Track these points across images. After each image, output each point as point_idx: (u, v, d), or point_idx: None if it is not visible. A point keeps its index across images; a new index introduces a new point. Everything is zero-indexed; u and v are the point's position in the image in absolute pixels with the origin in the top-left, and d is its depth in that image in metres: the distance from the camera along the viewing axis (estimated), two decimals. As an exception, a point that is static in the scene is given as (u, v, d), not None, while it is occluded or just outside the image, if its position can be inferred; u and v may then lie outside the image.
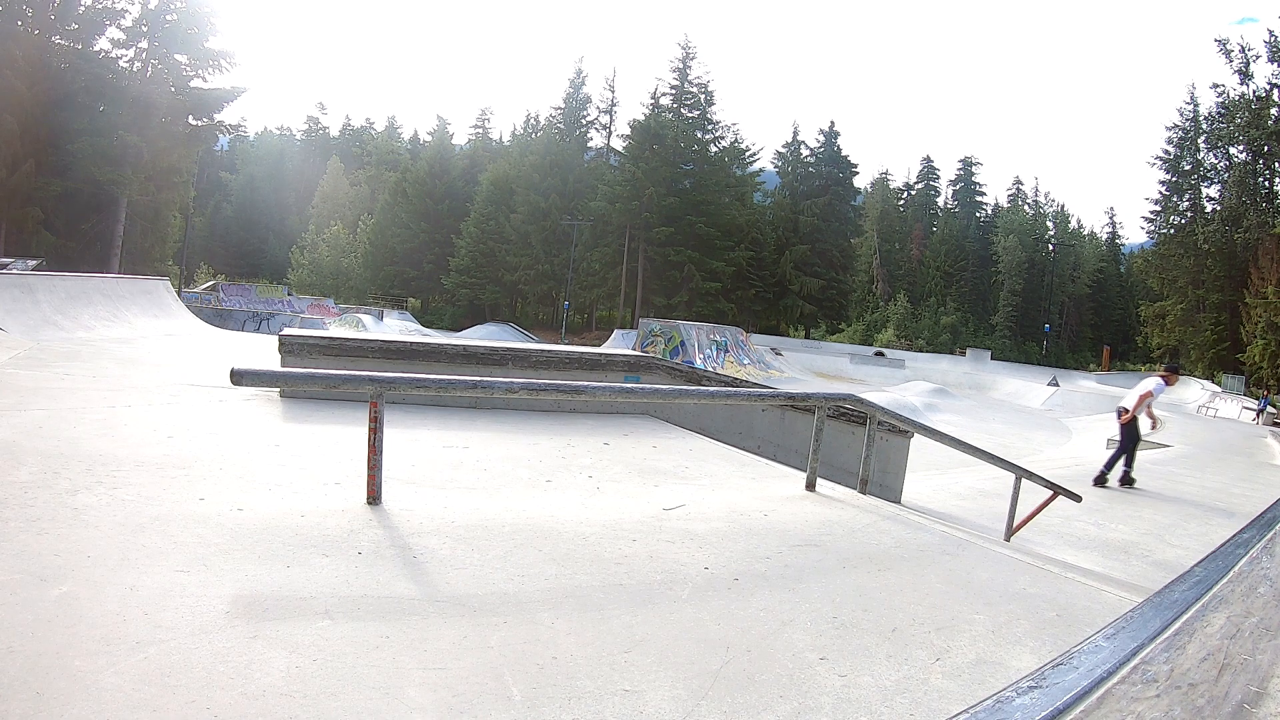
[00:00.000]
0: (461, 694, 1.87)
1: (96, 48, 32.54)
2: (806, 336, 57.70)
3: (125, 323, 11.71)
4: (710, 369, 27.66)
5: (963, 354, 47.48)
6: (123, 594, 2.20)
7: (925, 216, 67.68)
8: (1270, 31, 38.73)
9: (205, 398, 5.82)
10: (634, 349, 26.94)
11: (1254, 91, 39.92)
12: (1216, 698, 0.93)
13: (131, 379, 6.48)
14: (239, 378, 3.05)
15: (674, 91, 55.84)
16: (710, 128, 56.54)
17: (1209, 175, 44.85)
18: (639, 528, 3.42)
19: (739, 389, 7.08)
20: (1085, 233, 67.75)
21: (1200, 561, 1.46)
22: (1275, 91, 39.07)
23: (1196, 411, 26.46)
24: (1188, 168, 45.40)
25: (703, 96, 56.10)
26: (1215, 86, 41.67)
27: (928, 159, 74.93)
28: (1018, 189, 67.00)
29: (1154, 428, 6.88)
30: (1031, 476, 5.66)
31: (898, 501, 5.82)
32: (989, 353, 47.02)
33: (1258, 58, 39.38)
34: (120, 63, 33.17)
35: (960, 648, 2.44)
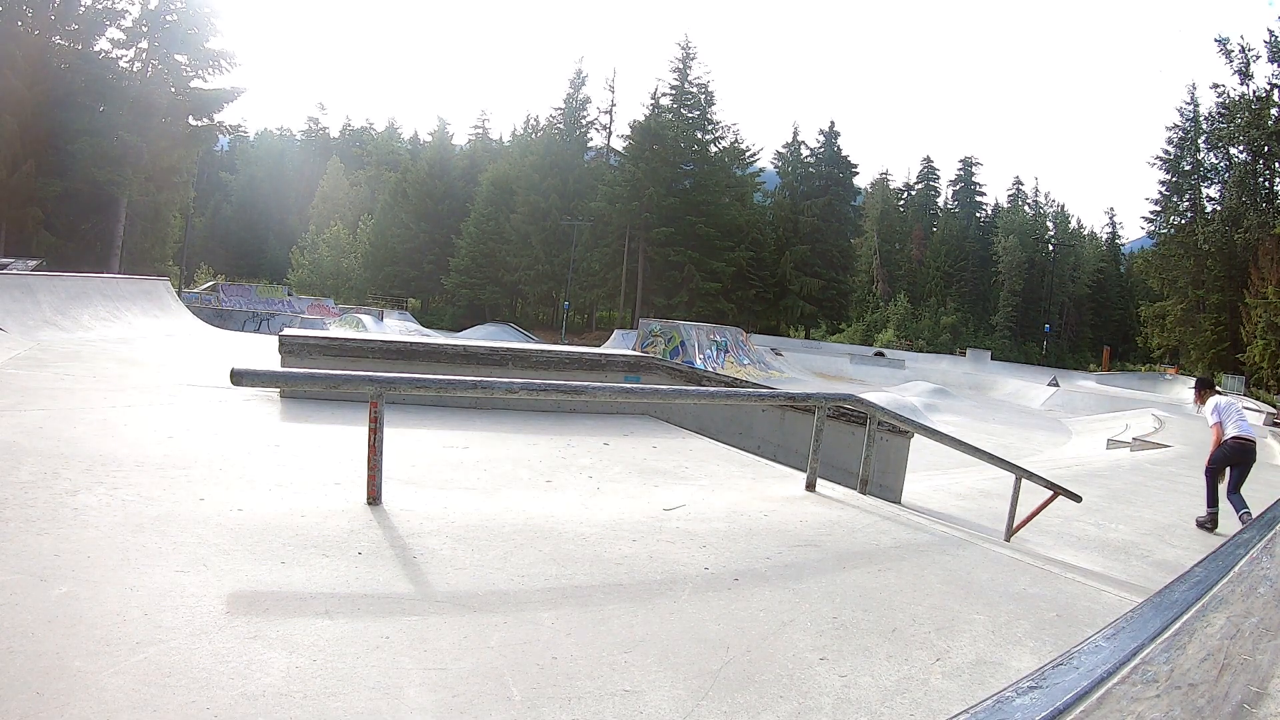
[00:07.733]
0: (461, 694, 1.87)
1: (96, 48, 32.53)
2: (806, 337, 57.69)
3: (125, 323, 11.71)
4: (710, 369, 27.65)
5: (963, 354, 47.46)
6: (123, 594, 2.20)
7: (925, 217, 67.58)
8: (1270, 31, 38.74)
9: (205, 398, 5.82)
10: (634, 349, 26.94)
11: (1254, 91, 39.84)
12: (1216, 698, 0.93)
13: (131, 379, 6.48)
14: (239, 378, 3.06)
15: (674, 92, 55.83)
16: (710, 128, 56.52)
17: (1209, 175, 44.80)
18: (639, 528, 3.42)
19: (739, 389, 7.08)
20: (1085, 233, 67.70)
21: (1200, 561, 1.46)
22: (1275, 91, 39.02)
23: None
24: (1188, 168, 45.33)
25: (703, 97, 56.08)
26: (1215, 86, 41.62)
27: (928, 159, 74.92)
28: (1018, 189, 66.93)
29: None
30: (1031, 476, 5.65)
31: (898, 501, 5.82)
32: (989, 353, 47.01)
33: (1258, 58, 39.34)
34: (120, 63, 33.16)
35: (960, 648, 2.44)
